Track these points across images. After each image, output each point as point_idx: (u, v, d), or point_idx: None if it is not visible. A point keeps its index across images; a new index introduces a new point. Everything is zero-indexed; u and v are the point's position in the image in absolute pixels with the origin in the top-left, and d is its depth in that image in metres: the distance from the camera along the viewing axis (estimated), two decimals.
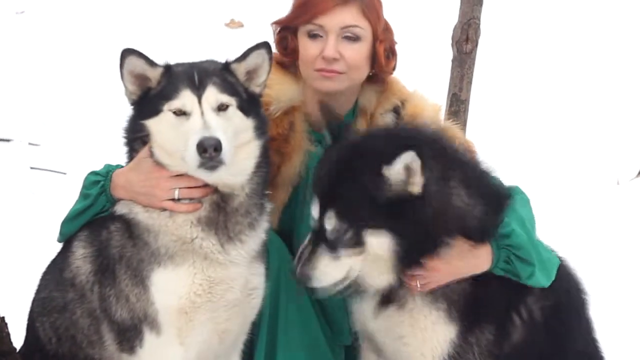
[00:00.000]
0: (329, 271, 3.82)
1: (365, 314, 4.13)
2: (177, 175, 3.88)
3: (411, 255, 3.80)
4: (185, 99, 3.78)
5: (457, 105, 6.13)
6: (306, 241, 3.89)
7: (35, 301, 4.19)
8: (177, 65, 3.94)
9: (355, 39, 4.24)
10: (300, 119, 4.36)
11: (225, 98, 3.82)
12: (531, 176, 8.75)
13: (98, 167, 4.12)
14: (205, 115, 3.75)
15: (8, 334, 4.23)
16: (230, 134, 3.78)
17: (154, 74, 3.86)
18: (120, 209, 3.97)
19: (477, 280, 4.00)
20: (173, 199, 3.88)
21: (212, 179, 3.84)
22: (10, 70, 10.21)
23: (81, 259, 4.01)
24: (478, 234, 3.94)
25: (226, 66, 3.93)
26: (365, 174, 3.76)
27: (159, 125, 3.83)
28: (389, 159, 3.71)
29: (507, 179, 4.16)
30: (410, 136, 3.94)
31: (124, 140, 4.01)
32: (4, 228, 7.02)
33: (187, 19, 12.29)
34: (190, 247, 3.89)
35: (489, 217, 3.96)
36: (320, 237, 3.84)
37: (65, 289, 4.04)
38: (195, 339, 3.92)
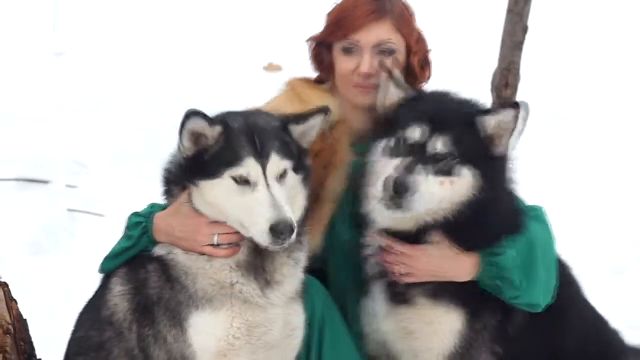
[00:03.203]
0: (426, 189, 3.83)
1: (377, 315, 4.16)
2: (216, 221, 3.89)
3: (473, 209, 3.91)
4: (250, 168, 3.77)
5: None
6: (399, 160, 3.90)
7: (71, 341, 4.19)
8: (233, 120, 3.89)
9: (390, 53, 4.34)
10: (344, 132, 4.39)
11: (286, 164, 3.83)
12: (568, 224, 8.69)
13: (135, 209, 4.15)
14: (272, 188, 3.75)
15: None
16: (289, 199, 3.81)
17: (213, 133, 3.83)
18: (159, 250, 3.99)
19: None
20: (212, 245, 3.88)
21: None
22: (47, 112, 10.27)
23: (119, 297, 4.02)
24: (463, 243, 4.01)
25: (284, 126, 3.92)
26: (474, 113, 3.99)
27: (217, 189, 3.81)
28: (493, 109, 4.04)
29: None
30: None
31: (164, 180, 4.03)
32: (42, 270, 7.03)
33: (225, 62, 12.36)
34: (230, 291, 3.89)
35: (481, 232, 4.03)
36: (418, 158, 3.87)
37: (102, 327, 4.04)
38: None
